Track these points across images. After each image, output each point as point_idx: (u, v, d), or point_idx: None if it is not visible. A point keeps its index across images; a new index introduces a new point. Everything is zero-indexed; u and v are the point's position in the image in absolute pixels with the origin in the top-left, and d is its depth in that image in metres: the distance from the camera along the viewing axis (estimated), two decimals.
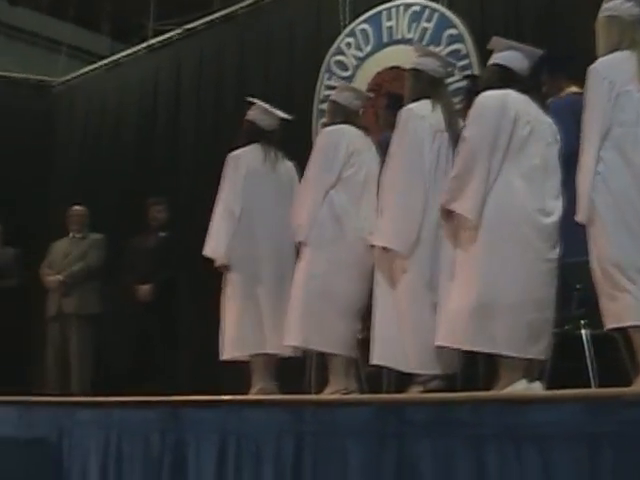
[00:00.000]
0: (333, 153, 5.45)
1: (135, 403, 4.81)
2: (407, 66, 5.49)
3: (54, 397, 6.77)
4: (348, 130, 5.57)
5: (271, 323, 5.80)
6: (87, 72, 11.43)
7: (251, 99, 6.40)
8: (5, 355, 8.77)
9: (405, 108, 5.12)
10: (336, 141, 5.49)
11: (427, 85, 5.18)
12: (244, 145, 6.13)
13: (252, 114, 6.22)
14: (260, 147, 6.09)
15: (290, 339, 5.42)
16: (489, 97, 4.69)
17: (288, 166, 6.17)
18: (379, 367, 5.44)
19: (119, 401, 4.90)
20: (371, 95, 6.59)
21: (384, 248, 5.03)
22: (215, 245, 5.97)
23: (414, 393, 4.70)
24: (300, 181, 5.79)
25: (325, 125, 5.92)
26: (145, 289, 8.33)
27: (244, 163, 6.02)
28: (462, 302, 4.49)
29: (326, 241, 5.35)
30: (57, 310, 8.75)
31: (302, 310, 5.33)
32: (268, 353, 5.87)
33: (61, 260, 8.90)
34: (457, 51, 7.17)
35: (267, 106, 6.26)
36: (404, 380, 4.96)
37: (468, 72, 6.94)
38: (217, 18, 9.57)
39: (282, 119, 6.28)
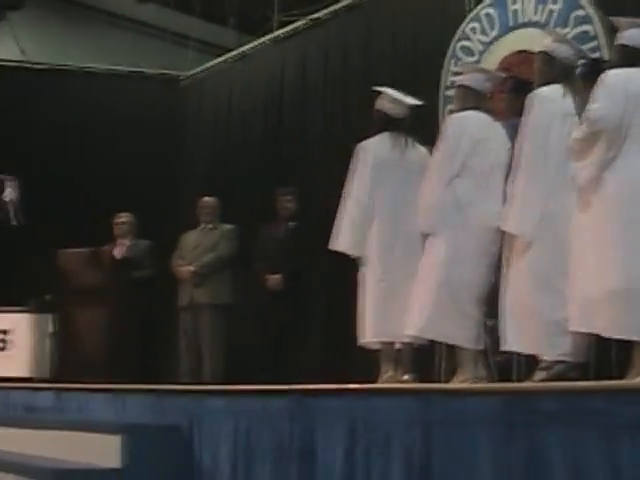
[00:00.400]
0: (457, 141, 5.38)
1: (264, 391, 4.86)
2: (538, 49, 5.39)
3: (186, 385, 6.88)
4: (474, 117, 5.48)
5: (403, 311, 5.78)
6: (214, 65, 11.58)
7: (378, 88, 6.37)
8: (139, 345, 8.95)
9: (534, 92, 5.04)
10: (461, 129, 5.42)
11: (558, 71, 5.08)
12: (375, 134, 6.10)
13: (380, 103, 6.19)
14: (389, 135, 6.04)
15: (414, 329, 5.38)
16: (613, 75, 4.60)
17: (421, 152, 6.07)
18: (509, 354, 5.41)
19: (249, 389, 4.95)
20: (503, 75, 6.46)
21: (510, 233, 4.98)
22: (344, 239, 5.96)
23: (538, 380, 4.63)
24: None
25: (452, 112, 5.81)
26: (275, 278, 8.42)
27: (371, 153, 5.99)
28: (598, 287, 4.40)
29: (449, 230, 5.29)
30: (189, 300, 8.90)
31: (427, 300, 5.29)
32: (400, 341, 5.86)
33: (192, 251, 9.04)
34: (585, 33, 6.99)
35: (395, 94, 6.21)
36: (534, 368, 4.89)
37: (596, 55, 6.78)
38: (342, 7, 9.55)
39: (412, 106, 6.23)
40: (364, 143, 6.08)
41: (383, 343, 5.91)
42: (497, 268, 5.22)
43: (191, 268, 8.84)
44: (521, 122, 5.05)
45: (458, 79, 5.79)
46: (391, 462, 3.98)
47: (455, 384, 5.06)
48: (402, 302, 5.74)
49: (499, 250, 5.21)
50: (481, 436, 3.68)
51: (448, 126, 5.56)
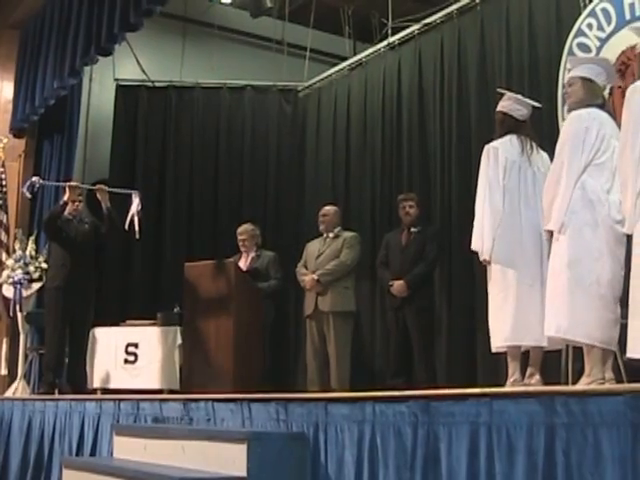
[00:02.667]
0: (583, 137, 5.23)
1: (388, 397, 4.85)
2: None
3: (312, 393, 6.94)
4: (598, 114, 5.36)
5: (532, 314, 5.72)
6: (331, 74, 11.68)
7: (501, 90, 6.35)
8: (266, 354, 9.06)
9: (632, 86, 4.89)
10: (587, 125, 5.27)
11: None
12: (500, 137, 6.10)
13: (504, 105, 6.18)
14: (516, 138, 6.04)
15: (549, 329, 5.30)
16: None
17: (544, 157, 6.07)
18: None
19: (373, 396, 4.95)
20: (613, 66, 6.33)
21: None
22: (481, 240, 5.95)
23: None
24: None
25: (571, 109, 5.64)
26: (400, 284, 8.42)
27: (502, 154, 5.97)
28: None
29: (580, 228, 5.18)
30: (314, 308, 8.97)
31: (562, 300, 5.17)
32: (529, 345, 5.83)
33: (315, 260, 9.11)
34: None
35: (519, 96, 6.20)
36: None
37: None
38: (455, 10, 9.53)
39: (534, 107, 6.22)
40: (494, 144, 6.06)
41: (511, 346, 5.86)
42: (627, 267, 5.11)
43: (314, 276, 8.91)
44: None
45: (573, 71, 5.65)
46: (515, 466, 3.95)
47: (581, 386, 4.98)
48: (533, 305, 5.74)
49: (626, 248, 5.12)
50: (605, 438, 3.61)
51: (571, 122, 5.38)
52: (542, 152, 6.09)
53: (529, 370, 5.91)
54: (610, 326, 5.11)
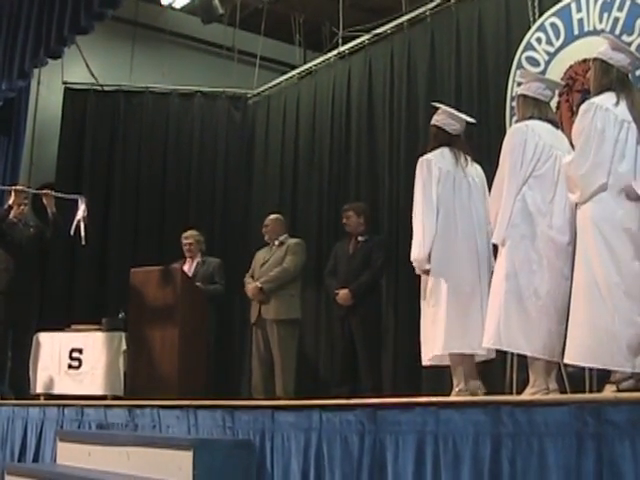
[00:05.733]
0: (522, 150, 5.31)
1: (335, 406, 4.86)
2: (593, 55, 5.34)
3: (258, 401, 6.93)
4: (536, 126, 5.43)
5: (472, 324, 5.77)
6: (281, 82, 11.68)
7: (436, 104, 6.41)
8: (211, 361, 9.04)
9: (587, 101, 5.02)
10: (524, 138, 5.35)
11: (614, 80, 5.05)
12: (433, 149, 6.15)
13: (438, 119, 6.23)
14: (449, 151, 6.10)
15: (488, 341, 5.36)
16: None
17: (478, 169, 6.18)
18: (580, 367, 5.37)
19: (319, 404, 4.96)
20: (562, 83, 6.42)
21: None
22: (417, 250, 5.96)
23: (608, 393, 4.58)
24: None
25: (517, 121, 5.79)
26: (344, 293, 8.43)
27: (436, 165, 6.01)
28: None
29: (520, 240, 5.25)
30: (257, 316, 8.97)
31: (499, 311, 5.23)
32: (468, 354, 5.85)
33: (260, 267, 9.12)
34: None
35: (452, 110, 6.27)
36: (605, 379, 4.84)
37: None
38: (406, 21, 9.58)
39: (468, 122, 6.29)
40: (427, 156, 6.10)
41: (454, 356, 5.89)
42: (569, 278, 5.18)
43: (257, 284, 8.90)
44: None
45: (518, 89, 5.75)
46: (461, 475, 3.97)
47: (525, 396, 5.03)
48: (472, 315, 5.78)
49: (571, 259, 5.19)
50: (550, 447, 3.65)
51: (509, 137, 5.49)
52: (476, 165, 6.18)
53: (471, 380, 5.94)
54: (552, 337, 5.16)
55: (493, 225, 5.46)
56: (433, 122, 6.28)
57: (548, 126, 5.48)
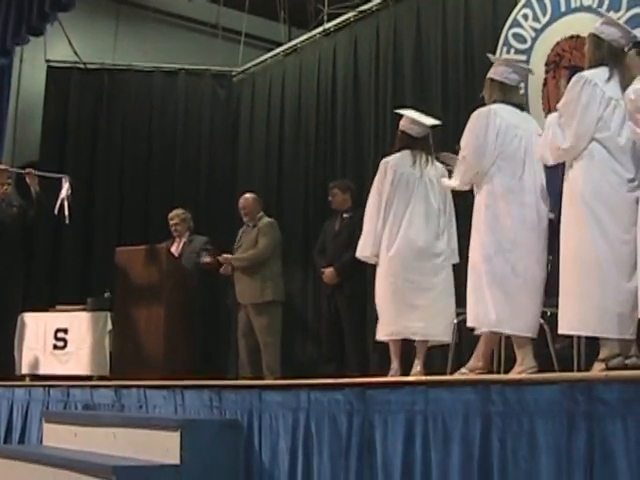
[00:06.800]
0: (484, 134, 5.38)
1: (323, 385, 4.84)
2: (589, 31, 5.33)
3: (245, 380, 6.91)
4: (498, 107, 5.47)
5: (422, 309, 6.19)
6: (266, 59, 11.62)
7: (399, 111, 6.74)
8: (198, 340, 9.02)
9: (578, 74, 4.99)
10: (485, 122, 5.40)
11: (607, 54, 5.03)
12: (397, 151, 6.51)
13: (403, 124, 6.58)
14: (410, 153, 6.42)
15: (470, 321, 5.39)
16: None
17: (438, 167, 6.46)
18: (569, 344, 5.39)
19: (307, 383, 4.94)
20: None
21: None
22: (363, 246, 6.51)
23: (598, 371, 4.57)
24: None
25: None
26: (330, 272, 8.41)
27: (392, 168, 6.39)
28: None
29: (491, 221, 5.29)
30: (234, 297, 8.98)
31: (480, 292, 5.28)
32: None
33: (236, 250, 9.09)
34: (638, 15, 6.91)
35: (415, 116, 6.55)
36: (593, 357, 4.83)
37: None
38: None
39: (432, 126, 6.54)
40: (386, 159, 6.49)
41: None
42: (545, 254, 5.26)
43: (229, 267, 8.92)
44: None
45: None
46: (450, 454, 3.96)
47: (514, 374, 5.01)
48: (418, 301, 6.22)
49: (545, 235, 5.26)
50: (541, 426, 3.64)
51: (471, 121, 5.54)
52: (437, 164, 6.50)
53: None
54: (527, 315, 5.20)
55: None
56: (399, 126, 6.61)
57: (512, 108, 5.52)
